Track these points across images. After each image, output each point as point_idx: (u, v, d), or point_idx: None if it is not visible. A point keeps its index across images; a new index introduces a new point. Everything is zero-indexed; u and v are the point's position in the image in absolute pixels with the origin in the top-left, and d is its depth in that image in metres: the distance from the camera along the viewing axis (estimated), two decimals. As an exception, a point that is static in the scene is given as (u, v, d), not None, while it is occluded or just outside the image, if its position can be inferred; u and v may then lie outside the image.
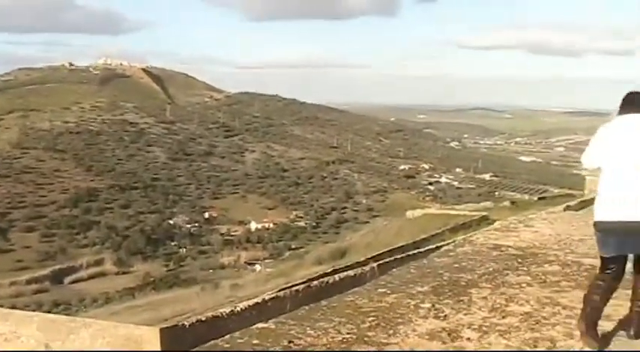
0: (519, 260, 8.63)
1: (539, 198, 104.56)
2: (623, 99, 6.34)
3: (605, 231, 6.01)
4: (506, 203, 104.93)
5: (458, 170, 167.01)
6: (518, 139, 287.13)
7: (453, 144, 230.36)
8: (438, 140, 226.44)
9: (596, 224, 6.12)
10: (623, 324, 6.47)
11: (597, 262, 8.42)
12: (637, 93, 6.35)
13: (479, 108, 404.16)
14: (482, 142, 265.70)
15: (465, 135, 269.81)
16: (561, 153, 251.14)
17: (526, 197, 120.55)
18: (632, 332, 6.15)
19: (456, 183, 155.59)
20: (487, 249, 9.33)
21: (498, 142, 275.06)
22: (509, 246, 9.49)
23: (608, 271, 6.11)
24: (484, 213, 78.17)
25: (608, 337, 6.26)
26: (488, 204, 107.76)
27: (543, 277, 7.81)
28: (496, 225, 11.41)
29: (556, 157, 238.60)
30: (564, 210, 16.58)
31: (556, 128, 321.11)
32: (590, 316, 5.98)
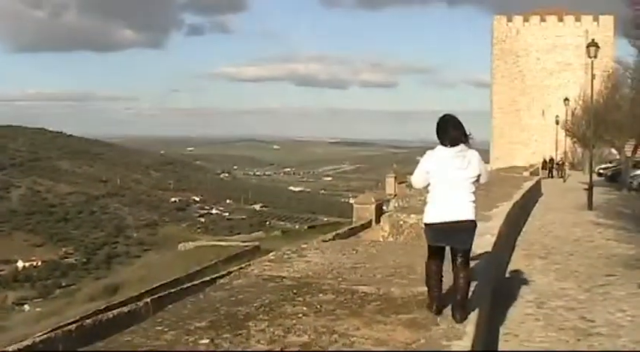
0: (295, 290, 8.74)
1: (309, 227, 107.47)
2: (438, 125, 7.53)
3: (434, 229, 7.51)
4: (277, 232, 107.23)
5: (228, 201, 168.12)
6: (286, 169, 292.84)
7: (222, 175, 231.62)
8: (207, 172, 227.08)
9: (427, 224, 7.58)
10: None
11: (369, 289, 8.75)
12: (448, 119, 7.54)
13: (247, 140, 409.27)
14: (251, 173, 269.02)
15: (235, 167, 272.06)
16: (329, 182, 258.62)
17: (296, 226, 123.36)
18: (457, 317, 7.34)
19: (226, 214, 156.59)
20: (263, 281, 9.39)
21: (267, 173, 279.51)
22: (284, 277, 9.60)
23: (434, 257, 7.64)
24: (256, 243, 79.65)
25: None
26: (259, 234, 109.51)
27: (319, 306, 7.94)
28: (270, 256, 11.52)
29: (324, 186, 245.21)
30: (334, 238, 16.99)
31: (323, 158, 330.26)
32: (433, 291, 7.65)
